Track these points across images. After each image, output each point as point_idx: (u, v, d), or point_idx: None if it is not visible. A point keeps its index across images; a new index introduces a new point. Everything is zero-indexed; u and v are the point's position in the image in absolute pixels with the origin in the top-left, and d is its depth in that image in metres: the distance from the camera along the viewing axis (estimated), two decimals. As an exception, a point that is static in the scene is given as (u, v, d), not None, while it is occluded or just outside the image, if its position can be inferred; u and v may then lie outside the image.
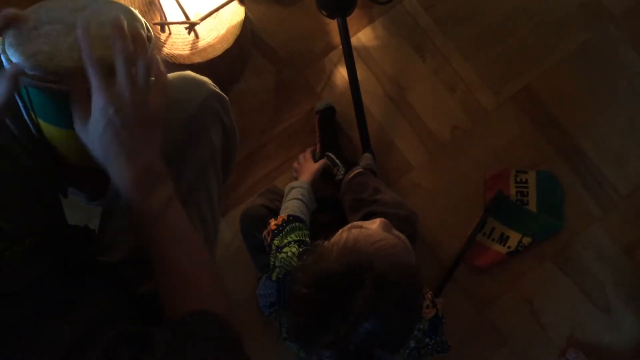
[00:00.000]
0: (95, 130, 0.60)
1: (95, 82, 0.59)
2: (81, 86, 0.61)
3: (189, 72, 0.85)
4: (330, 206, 1.28)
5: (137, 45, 0.62)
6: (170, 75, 0.84)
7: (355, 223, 0.84)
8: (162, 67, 0.66)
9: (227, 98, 0.88)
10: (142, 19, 0.75)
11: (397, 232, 0.83)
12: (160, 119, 0.65)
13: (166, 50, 1.18)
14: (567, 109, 1.43)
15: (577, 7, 1.48)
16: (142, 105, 0.62)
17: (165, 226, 0.66)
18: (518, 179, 1.40)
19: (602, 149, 1.42)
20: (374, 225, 0.81)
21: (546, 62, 1.46)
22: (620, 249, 1.38)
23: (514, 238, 1.35)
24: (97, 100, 0.59)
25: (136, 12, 0.75)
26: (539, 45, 1.46)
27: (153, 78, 0.64)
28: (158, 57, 0.67)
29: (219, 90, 0.86)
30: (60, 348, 0.55)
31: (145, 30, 0.75)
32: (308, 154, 1.32)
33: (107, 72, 0.60)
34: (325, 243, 0.83)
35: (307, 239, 1.01)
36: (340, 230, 0.82)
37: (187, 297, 0.66)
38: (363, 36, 1.45)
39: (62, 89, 0.66)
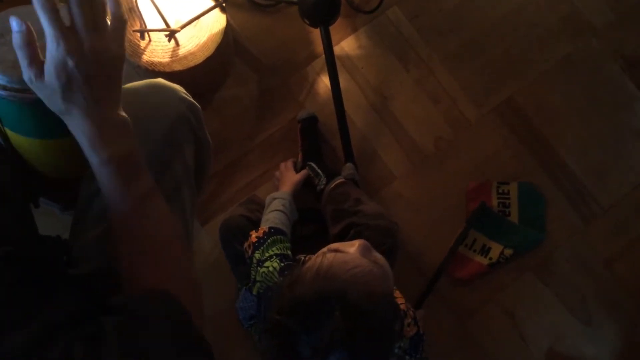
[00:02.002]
0: (53, 85, 0.56)
1: (50, 30, 0.54)
2: (29, 38, 0.56)
3: (159, 80, 0.83)
4: (312, 217, 1.27)
5: None
6: (140, 83, 0.82)
7: (333, 246, 0.82)
8: (120, 2, 0.62)
9: (199, 107, 0.85)
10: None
11: (376, 255, 0.81)
12: (122, 63, 0.61)
13: (146, 57, 1.16)
14: (550, 121, 1.44)
15: (559, 20, 1.48)
16: (104, 52, 0.58)
17: (132, 182, 0.63)
18: (500, 190, 1.40)
19: (584, 161, 1.42)
20: (352, 248, 0.79)
21: (529, 75, 1.46)
22: (602, 261, 1.38)
23: (496, 249, 1.35)
24: (55, 52, 0.55)
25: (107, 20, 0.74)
26: (523, 57, 1.46)
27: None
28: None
29: (191, 99, 0.84)
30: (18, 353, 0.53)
31: None
32: (289, 163, 1.30)
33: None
34: (304, 261, 0.82)
35: (289, 252, 1.00)
36: (317, 254, 0.81)
37: (150, 275, 0.63)
38: (346, 45, 1.45)
39: (29, 98, 0.65)
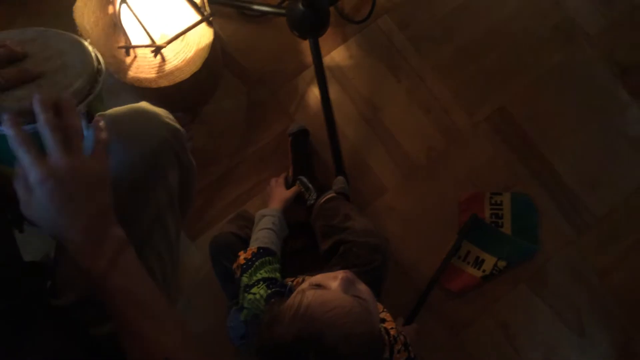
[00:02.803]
0: (40, 208, 0.59)
1: (25, 159, 0.57)
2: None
3: (142, 105, 0.81)
4: (302, 231, 1.25)
5: (64, 109, 0.60)
6: (123, 108, 0.81)
7: (315, 279, 0.79)
8: (104, 127, 0.64)
9: (183, 131, 0.84)
10: (93, 52, 0.72)
11: (360, 288, 0.78)
12: (107, 175, 0.63)
13: (131, 74, 1.14)
14: (542, 130, 1.43)
15: (551, 27, 1.47)
16: (83, 172, 0.60)
17: (118, 281, 0.63)
18: (493, 201, 1.38)
19: (576, 171, 1.41)
20: (335, 282, 0.76)
21: (521, 83, 1.45)
22: (595, 272, 1.37)
23: (489, 261, 1.34)
24: (34, 177, 0.57)
25: (86, 43, 0.72)
26: (514, 66, 1.45)
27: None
28: (100, 120, 0.66)
29: (175, 123, 0.83)
30: None
31: (96, 62, 0.72)
32: (280, 179, 1.29)
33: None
34: (290, 287, 0.80)
35: (278, 275, 0.98)
36: (297, 291, 0.79)
37: (145, 349, 0.63)
38: (337, 55, 1.43)
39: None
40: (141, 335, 0.64)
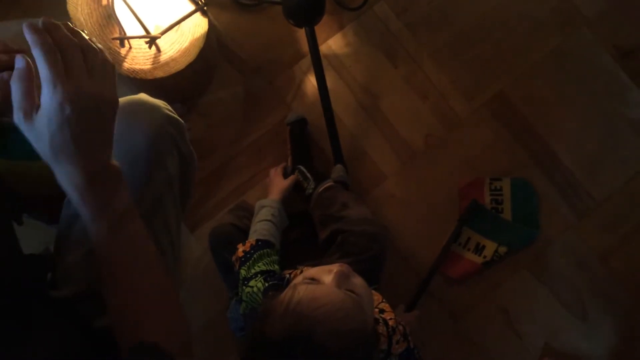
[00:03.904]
0: (45, 129, 0.53)
1: (47, 72, 0.52)
2: (28, 75, 0.54)
3: (141, 96, 0.81)
4: (302, 221, 1.25)
5: (76, 35, 0.56)
6: (122, 100, 0.80)
7: (309, 273, 0.79)
8: (102, 49, 0.60)
9: (182, 122, 0.84)
10: (91, 41, 0.72)
11: (354, 282, 0.78)
12: (116, 110, 0.59)
13: (127, 65, 1.14)
14: (542, 114, 1.42)
15: (550, 10, 1.45)
16: (100, 97, 0.56)
17: (123, 237, 0.61)
18: (492, 187, 1.38)
19: (577, 155, 1.40)
20: (329, 276, 0.76)
21: (520, 68, 1.43)
22: (596, 255, 1.37)
23: (490, 247, 1.33)
24: (52, 96, 0.52)
25: (84, 34, 0.72)
26: (513, 50, 1.44)
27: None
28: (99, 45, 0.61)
29: (175, 114, 0.83)
30: None
31: None
32: (279, 169, 1.28)
33: None
34: (288, 279, 0.80)
35: (276, 267, 0.98)
36: (290, 285, 0.78)
37: (137, 327, 0.63)
38: (333, 43, 1.42)
39: (3, 121, 0.63)
40: (135, 305, 0.63)
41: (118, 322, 0.64)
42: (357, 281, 0.78)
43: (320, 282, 0.76)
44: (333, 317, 0.70)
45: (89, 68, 0.55)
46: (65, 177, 0.57)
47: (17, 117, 0.54)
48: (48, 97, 0.52)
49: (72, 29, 0.57)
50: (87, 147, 0.56)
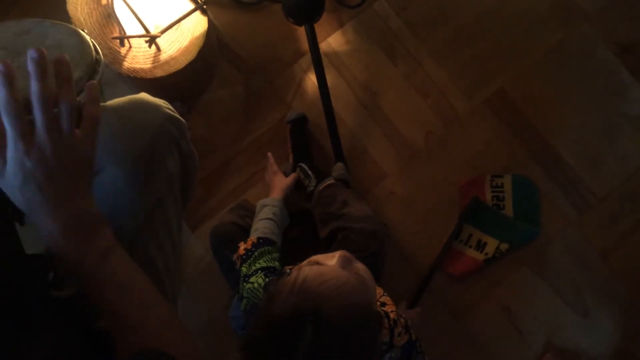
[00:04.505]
0: (13, 182, 0.55)
1: (10, 131, 0.53)
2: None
3: (142, 96, 0.81)
4: (302, 219, 1.25)
5: (62, 81, 0.56)
6: (123, 99, 0.81)
7: (313, 258, 0.80)
8: (96, 99, 0.60)
9: (183, 121, 0.84)
10: (91, 42, 0.72)
11: (357, 266, 0.79)
12: (90, 162, 0.60)
13: (127, 64, 1.14)
14: (542, 111, 1.42)
15: (549, 6, 1.45)
16: (68, 152, 0.56)
17: (105, 274, 0.61)
18: (494, 184, 1.38)
19: (577, 151, 1.40)
20: (333, 260, 0.77)
21: (520, 65, 1.43)
22: (597, 252, 1.37)
23: (492, 244, 1.33)
24: (14, 153, 0.53)
25: (84, 33, 0.72)
26: (513, 47, 1.44)
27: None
28: (96, 88, 0.61)
29: (175, 113, 0.83)
30: None
31: (94, 52, 0.71)
32: (275, 166, 1.28)
33: (26, 111, 0.54)
34: (288, 274, 0.80)
35: (277, 264, 0.98)
36: (296, 267, 0.79)
37: (134, 340, 0.63)
38: (333, 41, 1.42)
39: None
40: (129, 328, 0.63)
41: (116, 336, 0.64)
42: (360, 266, 0.79)
43: (325, 264, 0.76)
44: (338, 291, 0.71)
45: (57, 124, 0.55)
46: (41, 226, 0.58)
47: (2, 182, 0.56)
48: (10, 153, 0.54)
49: (63, 70, 0.56)
50: (58, 197, 0.56)
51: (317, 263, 0.78)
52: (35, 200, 0.55)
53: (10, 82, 0.52)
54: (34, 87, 0.53)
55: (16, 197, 0.56)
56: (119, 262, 0.64)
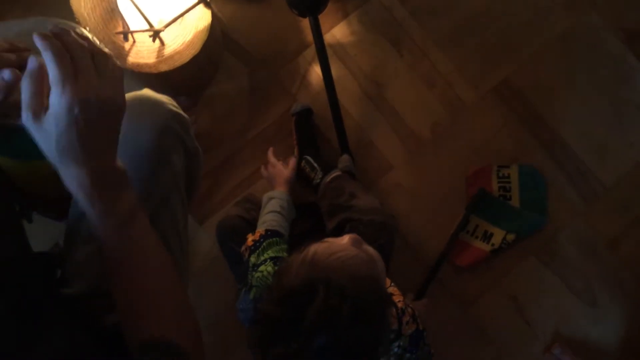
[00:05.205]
0: (52, 129, 0.54)
1: (56, 72, 0.52)
2: (39, 75, 0.54)
3: (146, 92, 0.81)
4: (310, 211, 1.25)
5: (86, 40, 0.57)
6: (127, 96, 0.80)
7: (325, 239, 0.81)
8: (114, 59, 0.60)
9: (187, 117, 0.84)
10: (93, 39, 0.72)
11: (367, 247, 0.80)
12: (123, 114, 0.59)
13: (131, 59, 1.14)
14: (549, 100, 1.40)
15: (556, -6, 1.44)
16: (108, 100, 0.56)
17: (126, 237, 0.62)
18: (500, 174, 1.37)
19: (585, 140, 1.39)
20: (344, 240, 0.79)
21: (526, 53, 1.42)
22: (605, 241, 1.36)
23: (498, 235, 1.33)
24: (61, 97, 0.52)
25: (86, 32, 0.72)
26: (519, 35, 1.42)
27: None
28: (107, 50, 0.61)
29: (179, 110, 0.83)
30: None
31: None
32: (273, 159, 1.26)
33: None
34: (291, 257, 0.81)
35: (285, 254, 0.99)
36: (305, 245, 0.80)
37: (147, 323, 0.63)
38: (338, 32, 1.41)
39: (11, 123, 0.63)
40: (143, 302, 0.63)
41: (126, 320, 0.64)
42: (370, 248, 0.81)
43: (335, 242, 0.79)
44: (348, 262, 0.73)
45: (98, 71, 0.55)
46: (71, 178, 0.57)
47: (26, 117, 0.54)
48: (57, 98, 0.53)
49: (81, 34, 0.57)
50: (92, 148, 0.56)
51: (327, 242, 0.79)
52: (71, 148, 0.54)
53: (48, 35, 0.53)
54: (69, 37, 0.54)
55: (50, 144, 0.55)
56: (141, 227, 0.64)
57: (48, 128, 0.54)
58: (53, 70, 0.52)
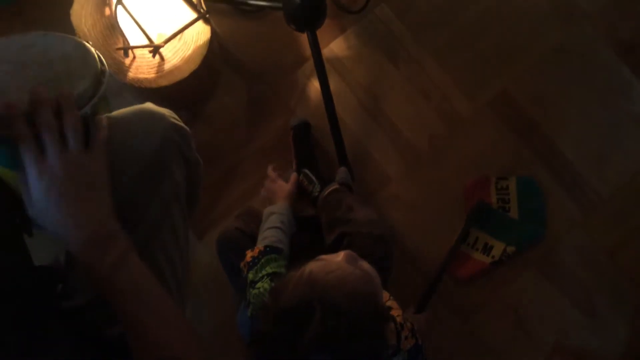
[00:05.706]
0: (40, 207, 0.60)
1: (25, 158, 0.58)
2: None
3: (148, 105, 0.82)
4: (308, 225, 1.25)
5: (64, 106, 0.60)
6: (128, 109, 0.81)
7: (320, 257, 0.81)
8: (103, 121, 0.64)
9: (188, 130, 0.85)
10: (96, 53, 0.72)
11: (362, 264, 0.80)
12: (106, 176, 0.63)
13: (131, 74, 1.15)
14: (545, 111, 1.42)
15: (550, 6, 1.45)
16: (79, 170, 0.60)
17: (122, 284, 0.63)
18: (499, 186, 1.38)
19: (581, 151, 1.40)
20: (338, 258, 0.79)
21: (522, 65, 1.44)
22: (604, 251, 1.37)
23: (498, 247, 1.33)
24: (29, 178, 0.59)
25: (89, 45, 0.72)
26: (514, 47, 1.44)
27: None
28: (102, 118, 0.67)
29: (180, 122, 0.84)
30: None
31: (99, 64, 0.72)
32: (274, 174, 1.28)
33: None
34: (287, 276, 0.82)
35: (283, 270, 0.99)
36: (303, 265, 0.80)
37: (152, 349, 0.64)
38: (335, 47, 1.42)
39: (11, 133, 0.63)
40: (147, 335, 0.64)
41: (134, 348, 0.65)
42: (365, 264, 0.80)
43: (330, 260, 0.78)
44: (344, 280, 0.73)
45: (64, 144, 0.60)
46: (65, 239, 0.62)
47: (27, 206, 0.61)
48: (29, 175, 0.59)
49: (64, 97, 0.61)
50: (75, 214, 0.60)
51: (323, 260, 0.79)
52: (58, 220, 0.60)
53: (17, 121, 0.58)
54: (39, 117, 0.59)
55: (46, 221, 0.60)
56: (134, 268, 0.66)
57: (38, 208, 0.60)
58: (23, 154, 0.59)
